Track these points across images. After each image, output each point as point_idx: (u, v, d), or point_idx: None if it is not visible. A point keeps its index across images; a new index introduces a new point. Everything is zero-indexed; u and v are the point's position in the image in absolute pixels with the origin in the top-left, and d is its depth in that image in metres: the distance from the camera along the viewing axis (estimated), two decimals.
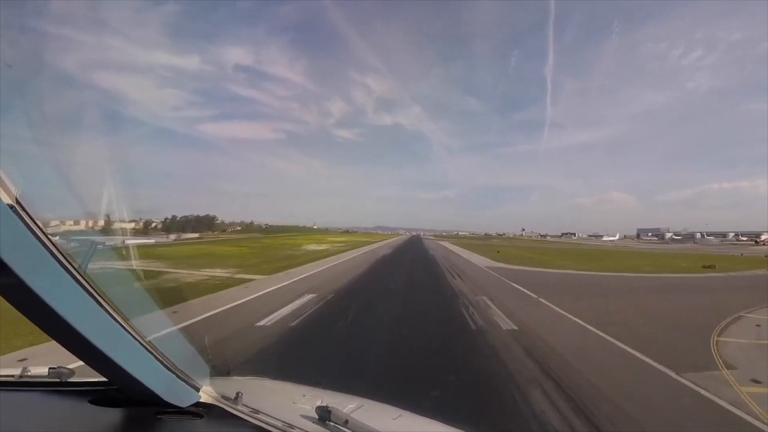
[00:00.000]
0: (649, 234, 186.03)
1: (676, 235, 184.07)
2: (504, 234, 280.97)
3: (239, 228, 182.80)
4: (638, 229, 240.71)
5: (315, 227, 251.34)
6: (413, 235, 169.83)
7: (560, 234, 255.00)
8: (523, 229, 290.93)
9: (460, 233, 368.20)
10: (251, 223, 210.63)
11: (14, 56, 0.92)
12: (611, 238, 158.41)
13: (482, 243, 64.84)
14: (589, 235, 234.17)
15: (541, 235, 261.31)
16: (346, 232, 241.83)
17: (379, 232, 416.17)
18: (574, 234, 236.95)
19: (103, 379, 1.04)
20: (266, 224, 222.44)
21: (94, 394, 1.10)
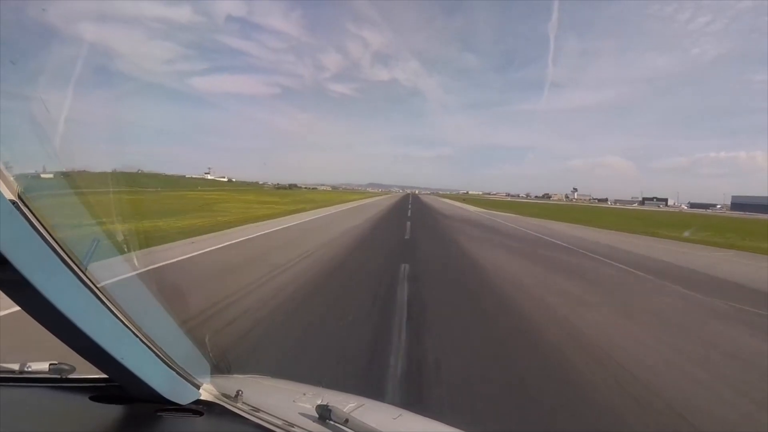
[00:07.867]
0: None
1: None
2: (551, 196, 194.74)
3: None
4: (733, 197, 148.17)
5: (208, 177, 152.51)
6: (407, 195, 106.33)
7: (641, 199, 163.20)
8: (575, 189, 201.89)
9: (470, 192, 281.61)
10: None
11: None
12: None
13: None
14: (692, 204, 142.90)
15: (598, 200, 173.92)
16: (292, 187, 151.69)
17: (369, 190, 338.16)
18: (666, 200, 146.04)
19: (104, 376, 1.06)
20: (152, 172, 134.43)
21: (95, 391, 1.11)
